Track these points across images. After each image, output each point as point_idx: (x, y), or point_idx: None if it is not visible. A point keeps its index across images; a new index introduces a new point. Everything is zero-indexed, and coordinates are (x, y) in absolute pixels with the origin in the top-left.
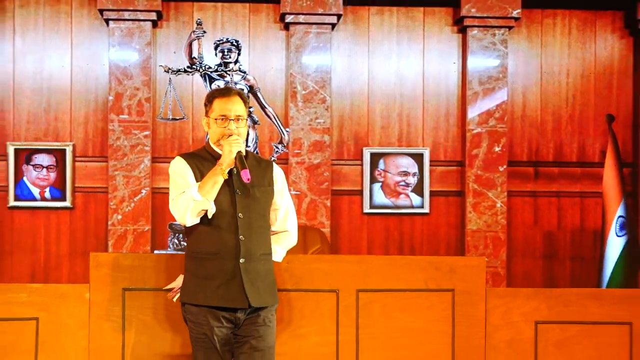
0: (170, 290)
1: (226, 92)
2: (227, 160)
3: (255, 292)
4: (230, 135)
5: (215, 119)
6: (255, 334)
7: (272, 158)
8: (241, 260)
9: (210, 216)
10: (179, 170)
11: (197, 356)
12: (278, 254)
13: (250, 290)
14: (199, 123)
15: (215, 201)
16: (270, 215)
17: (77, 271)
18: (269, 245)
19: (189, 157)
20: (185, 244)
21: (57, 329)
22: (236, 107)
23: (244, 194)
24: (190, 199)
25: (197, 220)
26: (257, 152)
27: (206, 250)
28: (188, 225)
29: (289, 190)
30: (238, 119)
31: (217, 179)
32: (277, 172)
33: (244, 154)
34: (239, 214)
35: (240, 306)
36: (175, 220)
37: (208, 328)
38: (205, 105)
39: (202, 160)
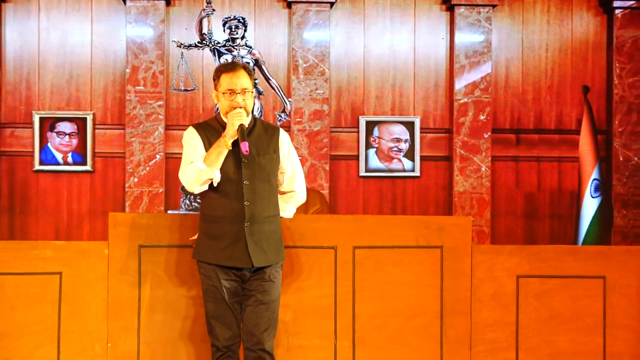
0: (193, 241)
1: (232, 66)
2: (230, 133)
3: (259, 253)
4: (234, 109)
5: (223, 93)
6: (261, 288)
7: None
8: (246, 224)
9: (215, 184)
10: (190, 140)
11: (208, 306)
12: (287, 211)
13: (254, 251)
14: (209, 94)
15: (222, 169)
16: (277, 178)
17: (97, 230)
18: (275, 208)
19: (200, 127)
20: (196, 204)
21: (79, 282)
22: (242, 80)
23: (250, 161)
24: (197, 168)
25: (205, 188)
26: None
27: (215, 214)
28: (196, 192)
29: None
30: (244, 92)
31: (221, 149)
32: (283, 137)
33: (246, 126)
34: (245, 181)
35: (244, 266)
36: None
37: (217, 282)
38: (214, 79)
39: (212, 130)
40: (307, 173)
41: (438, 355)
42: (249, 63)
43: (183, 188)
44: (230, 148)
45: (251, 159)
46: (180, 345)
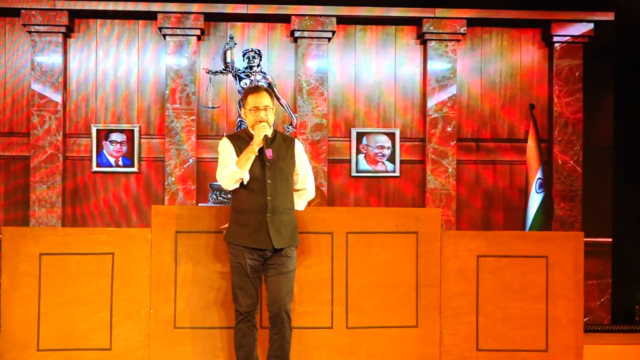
0: (224, 228)
1: (256, 89)
2: (256, 142)
3: (279, 237)
4: (260, 122)
5: (249, 110)
6: (280, 262)
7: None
8: (268, 215)
9: (245, 183)
10: (225, 148)
11: (234, 279)
12: (299, 205)
13: (274, 236)
14: (231, 110)
15: (250, 171)
16: (293, 178)
17: (142, 219)
18: (291, 202)
19: (232, 137)
20: (221, 198)
21: (127, 261)
22: (264, 100)
23: (272, 165)
24: (230, 170)
25: (237, 186)
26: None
27: (244, 206)
28: (229, 189)
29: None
30: (266, 108)
31: (249, 155)
32: (298, 146)
33: (269, 137)
34: (268, 180)
35: (267, 248)
36: (214, 182)
37: (243, 260)
38: (242, 99)
39: (241, 140)
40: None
41: (414, 319)
42: (264, 85)
43: (212, 185)
44: (257, 154)
45: (273, 162)
46: (208, 311)
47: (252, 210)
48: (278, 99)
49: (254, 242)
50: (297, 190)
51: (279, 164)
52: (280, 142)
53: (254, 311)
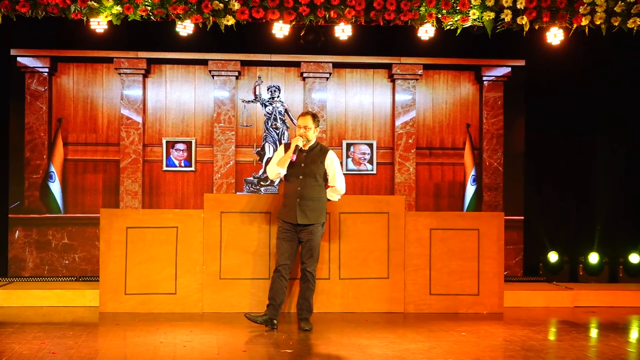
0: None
1: (303, 114)
2: (291, 149)
3: (302, 216)
4: (297, 137)
5: (297, 126)
6: (306, 236)
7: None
8: (298, 200)
9: (282, 176)
10: (279, 151)
11: (277, 242)
12: (332, 197)
13: (299, 215)
14: (259, 127)
15: (289, 169)
16: (322, 177)
17: (198, 203)
18: (318, 193)
19: (286, 145)
20: (253, 190)
21: (187, 232)
22: (304, 121)
23: (306, 165)
24: (273, 165)
25: (278, 178)
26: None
27: (285, 192)
28: (272, 179)
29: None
30: (306, 127)
31: (286, 157)
32: (330, 155)
33: (301, 146)
34: (300, 176)
35: (293, 222)
36: (248, 177)
37: (281, 229)
38: (298, 119)
39: (289, 146)
40: None
41: (386, 272)
42: (282, 111)
43: (246, 180)
44: (291, 158)
45: (306, 164)
46: (243, 266)
47: (288, 195)
48: (292, 120)
49: (286, 217)
50: (330, 187)
51: (309, 166)
52: (317, 151)
53: (284, 266)
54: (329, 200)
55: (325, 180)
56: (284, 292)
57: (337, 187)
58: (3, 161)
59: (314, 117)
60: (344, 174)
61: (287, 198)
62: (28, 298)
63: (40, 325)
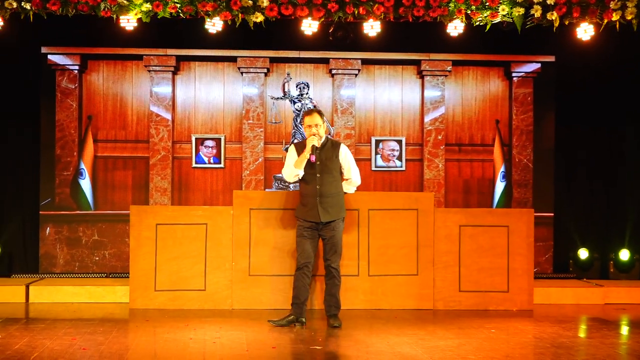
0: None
1: (309, 112)
2: (307, 150)
3: (325, 214)
4: (311, 136)
5: (305, 126)
6: (329, 233)
7: None
8: (318, 198)
9: (300, 177)
10: (290, 153)
11: (297, 241)
12: (348, 189)
13: (322, 212)
14: (288, 124)
15: (305, 168)
16: (339, 172)
17: (227, 200)
18: (336, 188)
19: (297, 145)
20: (282, 186)
21: (217, 229)
22: (315, 119)
23: (322, 163)
24: (290, 168)
25: (296, 179)
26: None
27: (303, 192)
28: (290, 182)
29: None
30: (317, 125)
31: (302, 159)
32: (342, 149)
33: (318, 145)
34: (317, 174)
35: (317, 220)
36: (277, 174)
37: (302, 228)
38: (302, 119)
39: (302, 146)
40: None
41: (415, 269)
42: (312, 106)
43: (275, 177)
44: (308, 158)
45: (321, 161)
46: (271, 263)
47: (307, 195)
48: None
49: (307, 216)
50: (346, 180)
51: (325, 162)
52: (329, 147)
53: (307, 264)
54: (345, 193)
55: (341, 173)
56: (307, 290)
57: (352, 179)
58: (34, 158)
59: (320, 113)
60: (372, 170)
61: (305, 197)
62: (59, 294)
63: (71, 321)
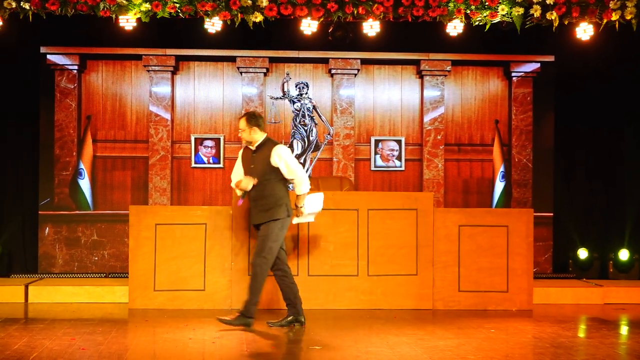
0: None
1: (241, 115)
2: (241, 188)
3: (256, 216)
4: (248, 177)
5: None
6: (261, 234)
7: (325, 142)
8: (252, 201)
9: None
10: (239, 156)
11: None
12: (298, 190)
13: (254, 215)
14: (287, 124)
15: (245, 171)
16: (277, 173)
17: (226, 200)
18: (271, 191)
19: (245, 150)
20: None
21: (216, 229)
22: (240, 124)
23: (255, 166)
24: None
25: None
26: (317, 141)
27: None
28: None
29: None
30: (242, 130)
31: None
32: (274, 152)
33: (247, 189)
34: (253, 177)
35: (253, 223)
36: None
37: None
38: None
39: (247, 151)
40: (342, 169)
41: (415, 269)
42: (310, 107)
43: None
44: (238, 202)
45: (255, 164)
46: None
47: (249, 197)
48: (319, 116)
49: (250, 219)
50: (291, 181)
51: (257, 167)
52: (264, 150)
53: (274, 265)
54: (299, 195)
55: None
56: (290, 287)
57: (295, 179)
58: (33, 158)
59: (249, 117)
60: (372, 170)
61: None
62: (58, 294)
63: (70, 321)
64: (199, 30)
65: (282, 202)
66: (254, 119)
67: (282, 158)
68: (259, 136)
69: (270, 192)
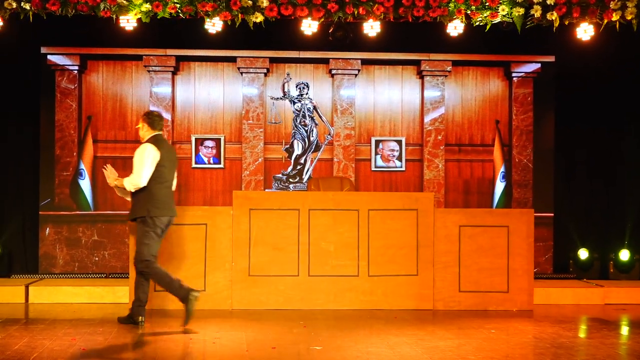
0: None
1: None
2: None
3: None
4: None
5: None
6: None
7: (325, 143)
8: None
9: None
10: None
11: None
12: (124, 179)
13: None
14: (287, 124)
15: None
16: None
17: (226, 200)
18: (141, 190)
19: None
20: (282, 186)
21: (216, 229)
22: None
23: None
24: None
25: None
26: (318, 141)
27: None
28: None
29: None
30: (138, 129)
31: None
32: (136, 150)
33: (111, 185)
34: None
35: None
36: (277, 174)
37: None
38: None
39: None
40: (343, 169)
41: (415, 269)
42: (310, 107)
43: (275, 177)
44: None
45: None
46: (271, 264)
47: None
48: (320, 117)
49: None
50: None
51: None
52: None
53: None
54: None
55: (158, 173)
56: (164, 279)
57: (132, 175)
58: (34, 158)
59: (144, 114)
60: (372, 170)
61: None
62: (58, 295)
63: (70, 321)
64: (199, 31)
65: (145, 201)
66: (146, 116)
67: (136, 156)
68: (146, 134)
69: (140, 190)
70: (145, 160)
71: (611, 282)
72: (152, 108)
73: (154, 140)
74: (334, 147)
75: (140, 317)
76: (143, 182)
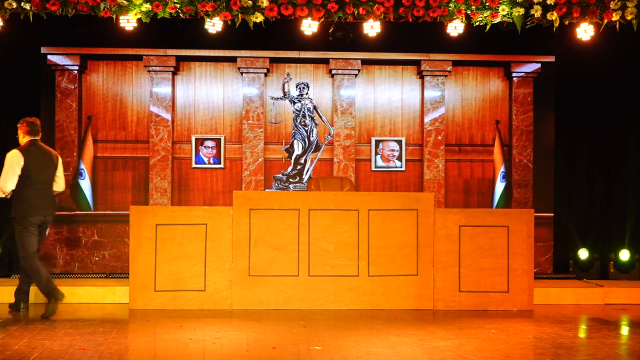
0: None
1: None
2: None
3: None
4: None
5: None
6: None
7: (325, 143)
8: None
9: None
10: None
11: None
12: None
13: None
14: (288, 124)
15: None
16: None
17: (227, 200)
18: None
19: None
20: (282, 186)
21: (216, 229)
22: None
23: None
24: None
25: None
26: (318, 141)
27: None
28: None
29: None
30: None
31: None
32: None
33: None
34: None
35: None
36: (277, 174)
37: None
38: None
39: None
40: (343, 169)
41: (415, 269)
42: (310, 108)
43: (275, 177)
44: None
45: None
46: (271, 264)
47: None
48: (320, 117)
49: None
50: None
51: None
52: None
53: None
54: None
55: (25, 176)
56: (39, 278)
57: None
58: None
59: (20, 123)
60: (372, 170)
61: None
62: None
63: (70, 321)
64: (199, 31)
65: (18, 202)
66: (23, 123)
67: (6, 162)
68: (23, 140)
69: (14, 192)
70: (8, 166)
71: (611, 282)
72: (152, 108)
73: (25, 146)
74: (334, 147)
75: (22, 304)
76: (8, 187)
